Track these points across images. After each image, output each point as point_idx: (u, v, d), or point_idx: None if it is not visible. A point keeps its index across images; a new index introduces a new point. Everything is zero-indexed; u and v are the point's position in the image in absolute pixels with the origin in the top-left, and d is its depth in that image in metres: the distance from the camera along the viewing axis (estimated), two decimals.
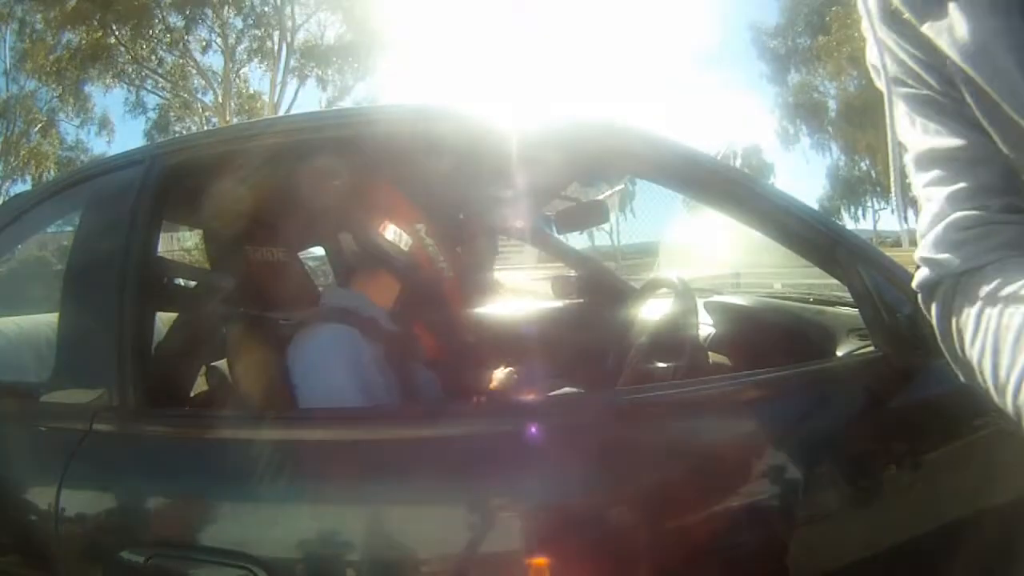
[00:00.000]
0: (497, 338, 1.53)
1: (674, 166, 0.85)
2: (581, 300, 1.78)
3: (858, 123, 15.26)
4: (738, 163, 18.51)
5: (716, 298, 1.48)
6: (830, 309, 1.18)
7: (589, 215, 1.73)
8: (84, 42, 12.98)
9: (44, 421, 0.79)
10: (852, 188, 18.54)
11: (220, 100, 14.42)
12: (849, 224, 16.57)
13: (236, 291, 0.91)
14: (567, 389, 0.98)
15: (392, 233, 0.92)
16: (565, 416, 0.74)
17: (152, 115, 15.40)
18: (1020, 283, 0.43)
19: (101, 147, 15.18)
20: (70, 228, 0.94)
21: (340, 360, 0.84)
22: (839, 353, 0.93)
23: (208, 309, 0.88)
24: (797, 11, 15.55)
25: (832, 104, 15.65)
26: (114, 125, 15.41)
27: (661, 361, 0.98)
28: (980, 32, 0.41)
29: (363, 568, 0.66)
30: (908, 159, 0.50)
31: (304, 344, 0.86)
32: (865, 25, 0.51)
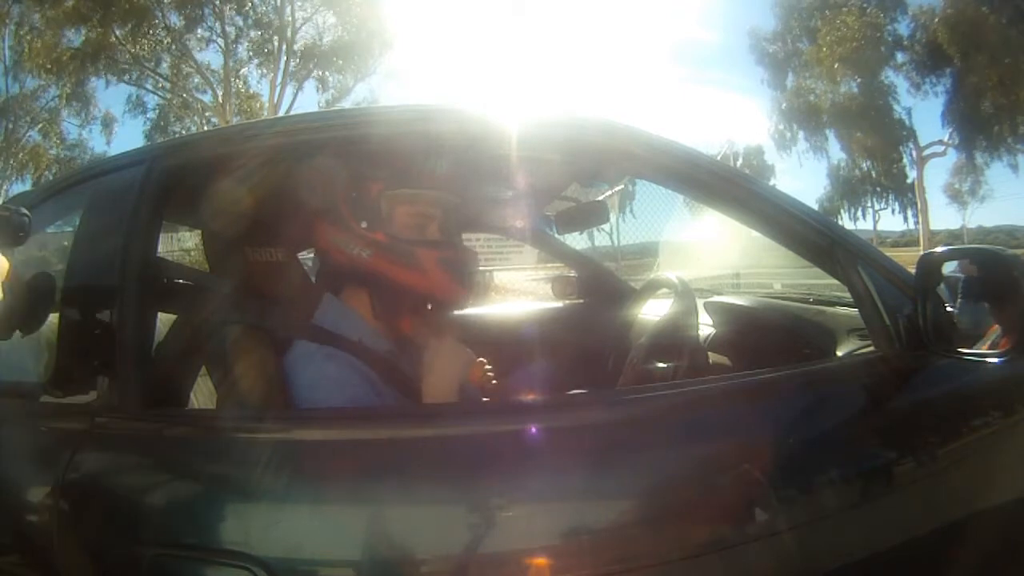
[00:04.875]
0: (496, 339, 1.53)
1: (674, 167, 0.85)
2: (581, 300, 1.78)
3: (855, 125, 15.26)
4: (738, 164, 18.52)
5: (716, 298, 1.48)
6: (830, 309, 1.18)
7: (589, 215, 1.73)
8: (85, 41, 12.99)
9: (44, 421, 0.79)
10: (852, 189, 18.55)
11: (220, 100, 14.42)
12: (849, 224, 16.60)
13: (235, 292, 0.91)
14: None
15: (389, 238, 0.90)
16: (565, 416, 0.74)
17: (152, 115, 15.44)
18: None
19: (100, 146, 15.22)
20: (70, 228, 0.94)
21: (342, 390, 0.82)
22: (839, 353, 0.93)
23: (208, 310, 0.88)
24: (791, 16, 15.55)
25: (828, 107, 15.60)
26: (115, 126, 15.44)
27: (661, 361, 0.98)
28: None
29: (363, 568, 0.66)
30: None
31: (301, 366, 0.85)
32: None
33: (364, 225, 0.88)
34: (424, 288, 0.88)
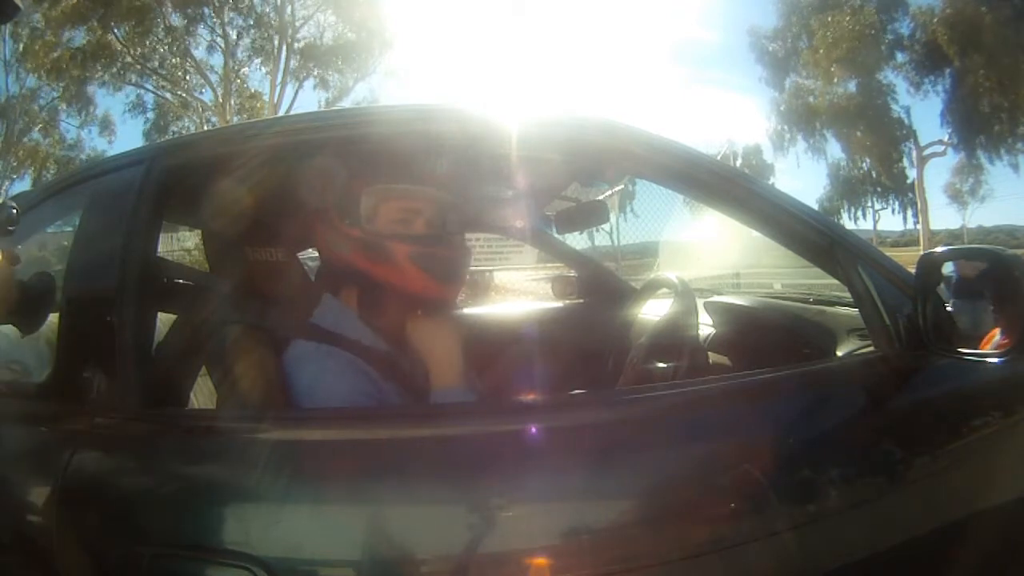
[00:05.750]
0: (496, 339, 1.53)
1: (674, 166, 0.85)
2: (581, 300, 1.78)
3: (854, 125, 15.25)
4: (738, 163, 18.52)
5: (716, 298, 1.48)
6: (830, 309, 1.18)
7: (589, 215, 1.73)
8: (85, 41, 12.99)
9: (44, 421, 0.79)
10: (852, 188, 18.56)
11: (220, 100, 14.42)
12: (849, 224, 16.60)
13: (235, 292, 0.91)
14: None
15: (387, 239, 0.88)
16: (565, 416, 0.74)
17: (152, 115, 15.45)
18: None
19: (102, 146, 15.24)
20: (70, 228, 0.94)
21: (342, 388, 0.82)
22: (839, 353, 0.93)
23: (208, 311, 0.88)
24: (791, 13, 15.54)
25: (827, 108, 15.56)
26: (115, 127, 15.47)
27: (661, 361, 0.98)
28: None
29: (363, 568, 0.66)
30: None
31: (300, 365, 0.85)
32: None
33: (347, 222, 0.88)
34: (398, 283, 0.87)
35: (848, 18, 14.05)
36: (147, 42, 13.61)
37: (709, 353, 1.26)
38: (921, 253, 0.83)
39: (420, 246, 0.87)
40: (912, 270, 0.81)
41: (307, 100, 15.47)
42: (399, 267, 0.87)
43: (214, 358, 0.90)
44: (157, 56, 14.06)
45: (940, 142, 15.52)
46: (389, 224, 0.88)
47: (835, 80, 14.96)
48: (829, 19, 14.24)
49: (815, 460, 0.72)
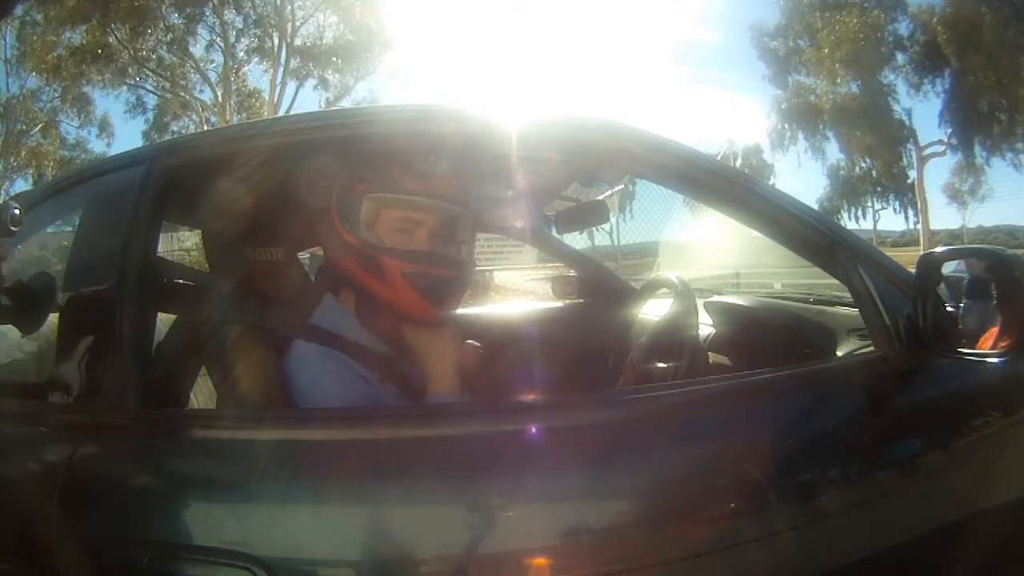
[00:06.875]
0: (496, 339, 1.53)
1: (674, 166, 0.85)
2: (581, 300, 1.78)
3: (855, 125, 15.25)
4: (738, 163, 18.51)
5: (716, 298, 1.48)
6: (830, 309, 1.18)
7: (589, 215, 1.73)
8: (85, 41, 12.99)
9: (44, 421, 0.79)
10: (852, 188, 18.57)
11: (219, 99, 14.43)
12: (850, 224, 16.61)
13: (235, 292, 0.91)
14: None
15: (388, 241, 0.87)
16: (565, 416, 0.74)
17: (151, 115, 15.46)
18: None
19: (99, 149, 15.25)
20: (70, 228, 0.94)
21: (341, 391, 0.82)
22: (839, 353, 0.93)
23: (208, 310, 0.88)
24: (793, 12, 15.54)
25: (829, 107, 15.55)
26: (113, 128, 15.50)
27: (661, 361, 0.98)
28: None
29: (363, 568, 0.66)
30: None
31: (300, 366, 0.85)
32: None
33: (346, 226, 0.87)
34: (390, 298, 0.86)
35: (855, 19, 14.04)
36: (147, 42, 13.61)
37: (709, 353, 1.26)
38: (921, 253, 0.83)
39: (415, 264, 0.86)
40: (912, 270, 0.81)
41: (307, 100, 15.50)
42: (392, 283, 0.85)
43: (214, 358, 0.90)
44: (156, 56, 14.07)
45: (940, 142, 15.54)
46: (389, 232, 0.86)
47: (838, 80, 14.95)
48: (834, 19, 14.23)
49: (815, 460, 0.72)
